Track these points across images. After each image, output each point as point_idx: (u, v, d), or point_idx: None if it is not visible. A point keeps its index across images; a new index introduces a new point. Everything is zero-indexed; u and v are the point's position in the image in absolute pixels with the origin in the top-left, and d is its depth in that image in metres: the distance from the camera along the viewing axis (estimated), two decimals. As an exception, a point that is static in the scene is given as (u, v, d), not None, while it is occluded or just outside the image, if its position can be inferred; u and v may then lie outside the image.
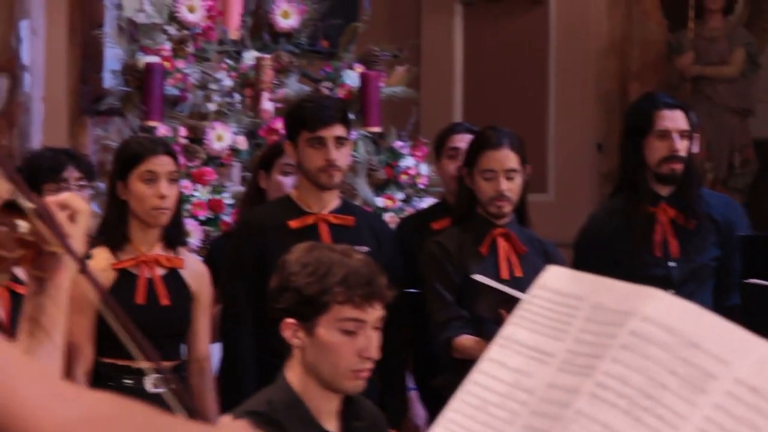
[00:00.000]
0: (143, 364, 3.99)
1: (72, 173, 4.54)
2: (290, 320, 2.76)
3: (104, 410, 1.51)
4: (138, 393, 4.00)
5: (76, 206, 1.95)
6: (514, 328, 1.63)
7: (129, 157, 4.10)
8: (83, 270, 1.86)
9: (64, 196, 1.97)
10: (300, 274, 2.74)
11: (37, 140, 6.08)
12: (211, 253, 4.94)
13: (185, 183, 5.50)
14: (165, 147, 4.20)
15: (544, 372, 1.55)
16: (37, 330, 1.93)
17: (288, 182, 4.72)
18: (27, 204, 1.85)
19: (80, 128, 5.93)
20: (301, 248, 2.82)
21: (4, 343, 1.55)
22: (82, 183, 4.56)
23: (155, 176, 4.07)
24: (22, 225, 1.83)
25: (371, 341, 2.75)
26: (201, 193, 5.52)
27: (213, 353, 4.39)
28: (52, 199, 1.95)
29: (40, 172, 4.52)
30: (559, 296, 1.60)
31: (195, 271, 4.23)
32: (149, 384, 4.02)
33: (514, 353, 1.61)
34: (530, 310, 1.62)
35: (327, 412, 2.78)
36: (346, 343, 2.72)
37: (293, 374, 2.79)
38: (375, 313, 2.75)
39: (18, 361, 1.51)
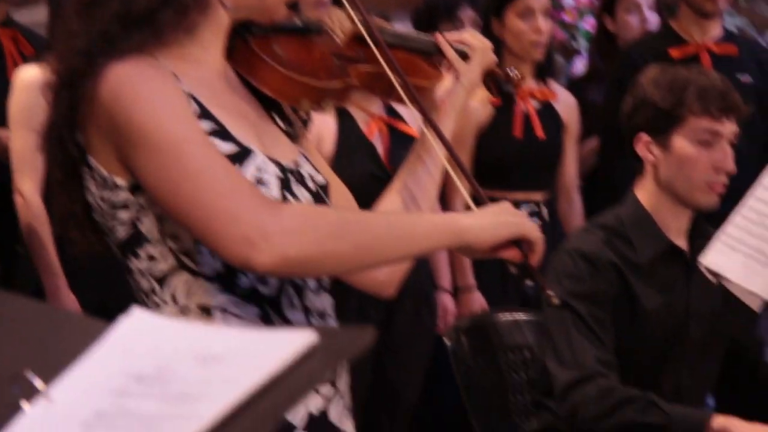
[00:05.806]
0: (518, 197, 4.11)
1: (466, 12, 4.65)
2: (644, 136, 2.78)
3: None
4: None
5: (472, 43, 2.00)
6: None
7: None
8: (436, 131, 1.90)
9: (463, 34, 2.04)
10: (655, 90, 2.76)
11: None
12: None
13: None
14: None
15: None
16: (405, 194, 1.94)
17: (633, 20, 4.61)
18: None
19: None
20: (655, 68, 2.85)
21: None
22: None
23: (531, 11, 4.10)
24: None
25: (727, 154, 2.74)
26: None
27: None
28: (452, 36, 2.02)
29: (437, 12, 4.67)
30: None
31: (566, 103, 4.27)
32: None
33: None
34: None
35: (676, 229, 2.80)
36: (702, 155, 2.73)
37: (643, 192, 2.82)
38: (730, 126, 2.75)
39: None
